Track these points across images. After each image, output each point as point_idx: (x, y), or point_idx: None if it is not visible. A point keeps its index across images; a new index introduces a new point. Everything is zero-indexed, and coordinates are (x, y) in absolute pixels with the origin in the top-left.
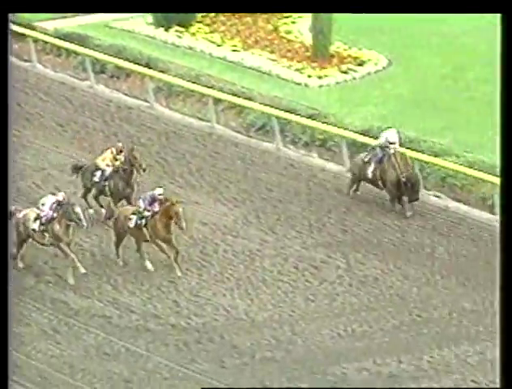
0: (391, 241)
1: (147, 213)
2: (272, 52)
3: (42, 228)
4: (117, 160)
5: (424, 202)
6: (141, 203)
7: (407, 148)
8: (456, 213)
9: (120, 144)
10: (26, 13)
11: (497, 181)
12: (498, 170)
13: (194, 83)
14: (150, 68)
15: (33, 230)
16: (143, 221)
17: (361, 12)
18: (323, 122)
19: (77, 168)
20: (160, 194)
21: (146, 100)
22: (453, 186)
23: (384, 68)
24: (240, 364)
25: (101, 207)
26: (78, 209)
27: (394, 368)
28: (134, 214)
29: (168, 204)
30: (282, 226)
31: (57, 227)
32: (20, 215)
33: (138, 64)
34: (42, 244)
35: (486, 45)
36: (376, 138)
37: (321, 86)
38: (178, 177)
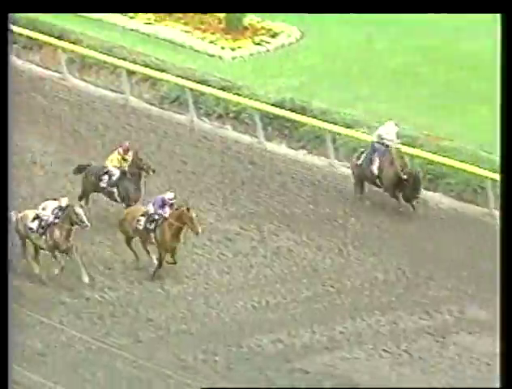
0: (304, 212)
1: (156, 217)
2: (186, 24)
3: (41, 230)
4: (125, 160)
5: (336, 172)
6: (151, 207)
7: (320, 119)
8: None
9: (127, 144)
10: (26, 13)
11: (407, 149)
12: (410, 140)
13: (107, 54)
14: (62, 40)
15: (30, 229)
16: (153, 225)
17: (357, 12)
18: (237, 94)
19: (80, 169)
20: (170, 199)
21: (58, 72)
22: None
23: (297, 40)
24: (155, 337)
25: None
26: (79, 210)
27: (307, 339)
28: (143, 215)
29: (181, 210)
30: (196, 198)
31: (57, 233)
32: (20, 215)
33: (50, 36)
34: (38, 245)
35: (395, 16)
36: (292, 109)
37: (234, 58)
38: (92, 149)
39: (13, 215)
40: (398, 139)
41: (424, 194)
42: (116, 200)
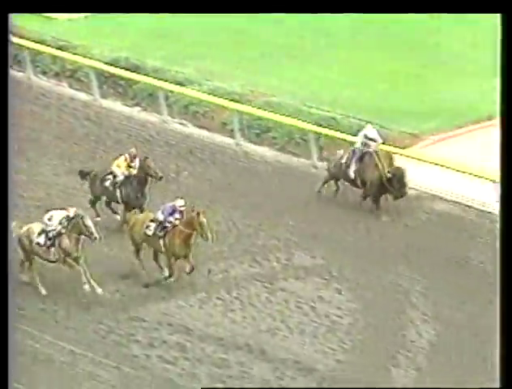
0: None
1: (167, 224)
2: None
3: (49, 243)
4: (131, 167)
5: (167, 128)
6: (159, 215)
7: (153, 77)
8: (199, 139)
9: (133, 150)
10: (26, 13)
11: (236, 106)
12: (237, 96)
13: None
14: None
15: (38, 244)
16: (162, 232)
17: (363, 12)
18: (73, 53)
19: (84, 174)
20: (180, 206)
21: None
22: (196, 114)
23: None
24: None
25: (114, 213)
26: (88, 222)
27: (144, 289)
28: (152, 221)
29: (192, 215)
30: (34, 152)
31: (66, 241)
32: (24, 229)
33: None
34: (46, 259)
35: None
36: (126, 68)
37: (70, 19)
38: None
39: (15, 230)
40: (380, 141)
41: (250, 146)
42: (117, 202)
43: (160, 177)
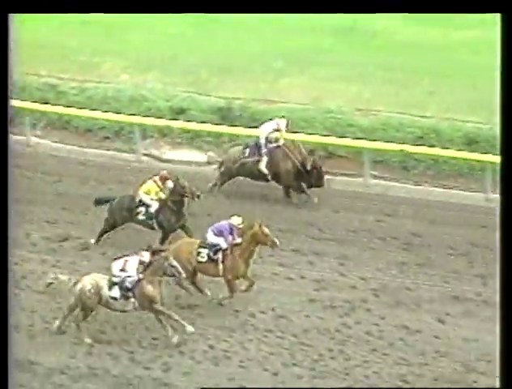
0: None
1: (224, 246)
2: None
3: (127, 293)
4: (162, 190)
5: None
6: (211, 237)
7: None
8: None
9: (164, 172)
10: (26, 13)
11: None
12: None
13: None
14: None
15: (114, 298)
16: (220, 255)
17: (364, 12)
18: None
19: (101, 202)
20: (239, 224)
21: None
22: None
23: None
24: None
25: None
26: (174, 262)
27: None
28: (202, 247)
29: (255, 230)
30: None
31: (149, 288)
32: (85, 287)
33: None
34: (121, 311)
35: None
36: None
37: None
38: None
39: (75, 285)
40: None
41: None
42: (153, 229)
43: (198, 196)
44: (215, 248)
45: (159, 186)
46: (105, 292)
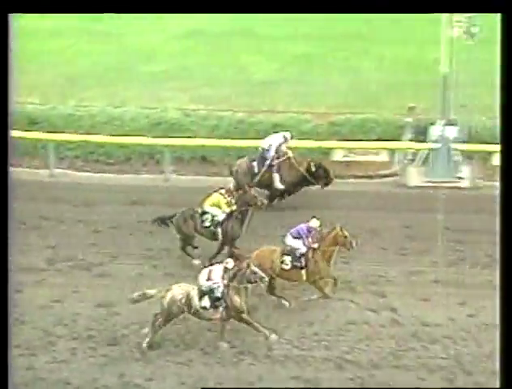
0: None
1: (304, 250)
2: None
3: (216, 303)
4: (228, 203)
5: None
6: (292, 242)
7: None
8: None
9: (231, 186)
10: (26, 13)
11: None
12: None
13: None
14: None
15: (203, 308)
16: (303, 260)
17: (363, 12)
18: None
19: (164, 221)
20: (318, 226)
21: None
22: None
23: None
24: None
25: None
26: (256, 269)
27: None
28: (285, 255)
29: (336, 232)
30: None
31: (236, 298)
32: (175, 296)
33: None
34: (209, 319)
35: None
36: None
37: None
38: None
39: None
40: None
41: None
42: (214, 239)
43: (263, 204)
44: (297, 252)
45: (226, 199)
46: (195, 302)
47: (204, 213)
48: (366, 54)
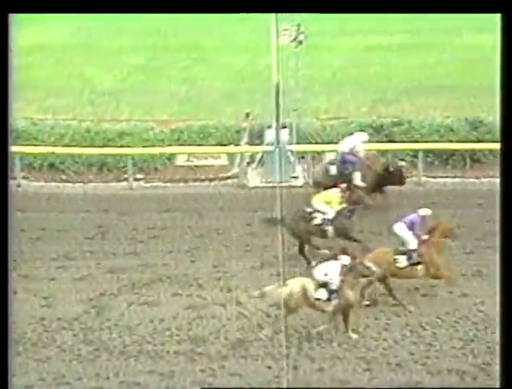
0: None
1: (414, 245)
2: None
3: (332, 295)
4: (341, 200)
5: None
6: (403, 229)
7: None
8: None
9: (344, 185)
10: (26, 13)
11: None
12: None
13: None
14: None
15: (318, 299)
16: (416, 257)
17: (362, 12)
18: None
19: (274, 221)
20: (428, 215)
21: None
22: None
23: None
24: None
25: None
26: (369, 263)
27: None
28: (399, 254)
29: (448, 225)
30: None
31: (350, 293)
32: (293, 290)
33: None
34: (322, 310)
35: None
36: None
37: None
38: None
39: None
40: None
41: None
42: (324, 236)
43: (370, 204)
44: (409, 248)
45: (339, 197)
46: (312, 294)
47: (314, 212)
48: (204, 64)
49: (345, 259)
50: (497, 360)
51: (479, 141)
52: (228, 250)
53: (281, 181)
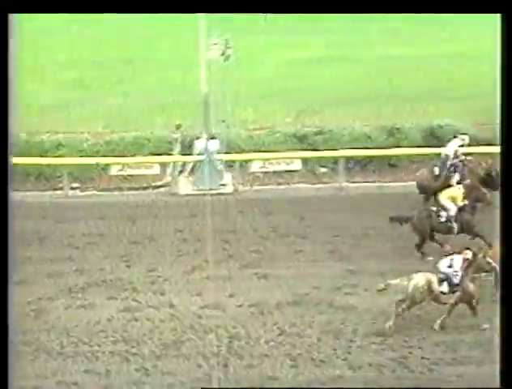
0: None
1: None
2: None
3: (454, 288)
4: (464, 198)
5: None
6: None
7: None
8: None
9: (468, 181)
10: (26, 13)
11: None
12: None
13: None
14: None
15: (442, 293)
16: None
17: (362, 12)
18: None
19: (402, 219)
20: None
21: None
22: None
23: None
24: None
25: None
26: (491, 260)
27: None
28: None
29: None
30: None
31: (471, 286)
32: (419, 283)
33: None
34: (443, 303)
35: None
36: None
37: None
38: None
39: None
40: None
41: None
42: (450, 232)
43: (490, 202)
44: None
45: (463, 193)
46: (436, 287)
47: (439, 210)
48: (137, 77)
49: (468, 254)
50: (418, 352)
51: (396, 147)
52: (162, 256)
53: (211, 189)
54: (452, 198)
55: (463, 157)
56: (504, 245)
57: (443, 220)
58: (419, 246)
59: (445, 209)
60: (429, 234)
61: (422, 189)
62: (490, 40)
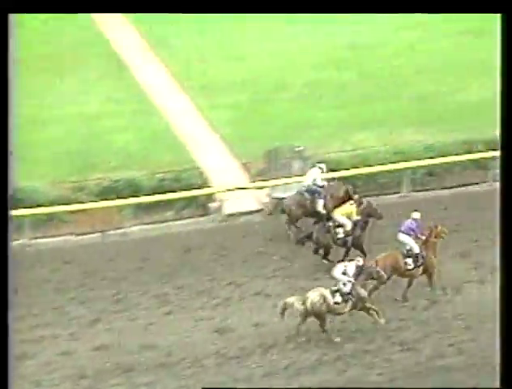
0: None
1: (417, 249)
2: None
3: (346, 297)
4: (357, 212)
5: None
6: (403, 237)
7: None
8: None
9: (356, 196)
10: (26, 13)
11: None
12: None
13: None
14: None
15: (336, 303)
16: (420, 259)
17: (362, 12)
18: None
19: (304, 239)
20: (419, 218)
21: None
22: None
23: None
24: None
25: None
26: (378, 268)
27: None
28: (406, 257)
29: (441, 229)
30: None
31: (362, 291)
32: (314, 300)
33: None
34: (339, 314)
35: None
36: None
37: None
38: None
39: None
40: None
41: None
42: (345, 245)
43: (381, 217)
44: (414, 252)
45: (356, 208)
46: (330, 299)
47: (337, 226)
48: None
49: (360, 261)
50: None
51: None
52: None
53: None
54: (347, 214)
55: (325, 183)
56: (504, 245)
57: (340, 235)
58: (324, 256)
59: (341, 225)
60: (330, 247)
61: (290, 213)
62: None
